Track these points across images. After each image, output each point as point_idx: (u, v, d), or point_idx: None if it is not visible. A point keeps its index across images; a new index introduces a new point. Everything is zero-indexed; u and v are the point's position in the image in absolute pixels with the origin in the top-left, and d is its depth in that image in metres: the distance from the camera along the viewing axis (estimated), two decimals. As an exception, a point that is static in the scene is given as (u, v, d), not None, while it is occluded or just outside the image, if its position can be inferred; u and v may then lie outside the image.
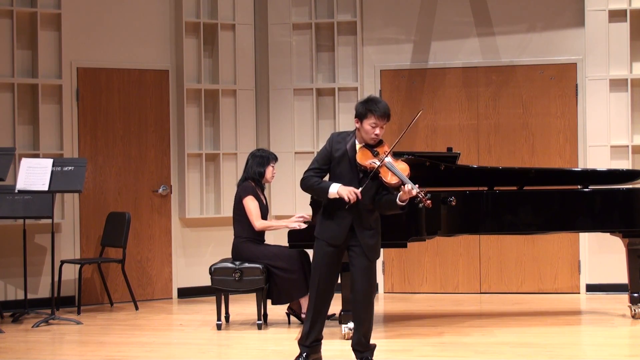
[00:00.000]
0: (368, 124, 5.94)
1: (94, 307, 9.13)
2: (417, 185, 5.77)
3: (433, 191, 7.58)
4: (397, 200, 5.81)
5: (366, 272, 6.00)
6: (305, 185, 6.05)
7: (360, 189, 5.86)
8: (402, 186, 5.77)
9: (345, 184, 5.90)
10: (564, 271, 9.56)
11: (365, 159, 5.90)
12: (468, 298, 9.42)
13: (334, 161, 6.00)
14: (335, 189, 5.88)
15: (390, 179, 5.83)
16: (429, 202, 5.76)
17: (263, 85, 10.01)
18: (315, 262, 6.08)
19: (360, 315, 6.05)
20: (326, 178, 6.07)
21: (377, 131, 5.95)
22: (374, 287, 6.10)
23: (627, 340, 7.40)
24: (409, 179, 5.81)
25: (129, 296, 9.06)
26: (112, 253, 9.22)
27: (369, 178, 5.86)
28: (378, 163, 5.85)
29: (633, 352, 6.88)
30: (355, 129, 6.03)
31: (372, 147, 5.97)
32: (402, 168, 5.88)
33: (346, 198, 5.82)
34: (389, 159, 5.89)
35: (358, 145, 5.99)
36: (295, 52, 9.91)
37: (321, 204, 6.12)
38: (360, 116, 5.98)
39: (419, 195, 5.75)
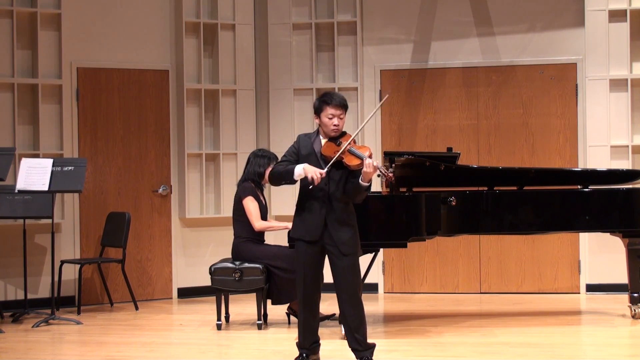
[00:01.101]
0: (325, 116, 6.05)
1: (94, 307, 9.13)
2: (378, 162, 5.87)
3: (433, 191, 7.62)
4: (360, 181, 5.89)
5: (348, 269, 6.02)
6: (272, 174, 6.14)
7: (327, 166, 5.91)
8: (364, 163, 5.85)
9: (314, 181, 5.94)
10: (564, 271, 9.56)
11: (329, 151, 6.02)
12: (468, 298, 9.42)
13: (301, 159, 6.07)
14: (301, 167, 5.95)
15: (353, 162, 5.93)
16: (390, 174, 5.90)
17: (263, 85, 10.01)
18: (298, 264, 6.12)
19: (350, 313, 6.05)
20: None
21: (336, 122, 6.04)
22: (360, 284, 6.10)
23: (627, 340, 7.40)
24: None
25: (129, 296, 9.06)
26: (112, 253, 9.22)
27: (333, 160, 5.92)
28: (341, 150, 5.94)
29: (633, 352, 6.88)
30: (318, 127, 6.13)
31: (336, 139, 6.06)
32: (363, 150, 5.98)
33: (309, 177, 5.88)
34: (351, 146, 5.97)
35: (323, 141, 6.08)
36: (295, 52, 9.91)
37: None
38: (317, 111, 6.11)
39: (380, 170, 5.85)
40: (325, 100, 6.06)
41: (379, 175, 5.95)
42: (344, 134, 6.10)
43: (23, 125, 9.07)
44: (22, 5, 9.06)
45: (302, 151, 6.08)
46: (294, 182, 6.06)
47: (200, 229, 9.76)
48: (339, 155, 5.93)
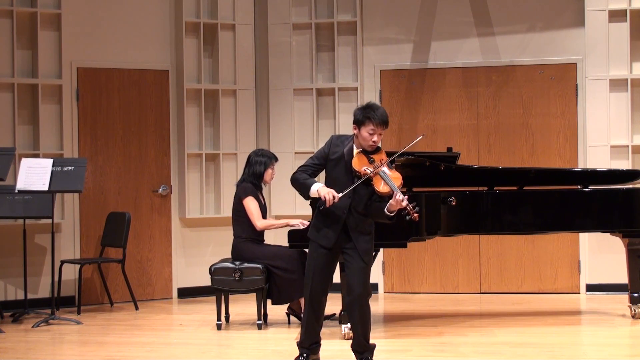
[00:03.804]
0: (366, 130, 5.93)
1: (94, 307, 9.13)
2: (406, 197, 5.76)
3: (433, 191, 7.62)
4: (386, 210, 5.81)
5: (361, 273, 6.00)
6: (293, 178, 6.08)
7: (343, 192, 5.85)
8: (393, 196, 5.77)
9: (340, 188, 5.89)
10: (564, 271, 9.56)
11: (360, 164, 5.91)
12: (468, 298, 9.42)
13: (330, 164, 6.02)
14: (316, 188, 5.91)
15: (382, 188, 5.83)
16: (416, 215, 5.74)
17: (263, 85, 10.01)
18: (309, 264, 6.10)
19: (358, 316, 6.05)
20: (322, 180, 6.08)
21: (375, 138, 5.93)
22: (369, 288, 6.10)
23: (627, 340, 7.40)
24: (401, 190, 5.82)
25: (129, 296, 9.07)
26: (112, 253, 9.22)
27: (359, 182, 5.86)
28: (372, 170, 5.86)
29: (633, 352, 6.89)
30: (354, 134, 6.04)
31: (369, 153, 5.97)
32: (395, 177, 5.88)
33: (322, 197, 5.84)
34: (384, 168, 5.88)
35: (355, 150, 5.99)
36: (295, 52, 9.91)
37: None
38: (358, 123, 5.97)
39: (407, 207, 5.74)
40: (370, 115, 5.90)
41: (403, 212, 5.81)
42: (378, 149, 6.00)
43: (23, 125, 9.08)
44: (22, 5, 9.06)
45: (331, 155, 6.01)
46: (308, 198, 6.03)
47: (200, 229, 9.76)
48: (368, 176, 5.83)
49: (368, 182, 5.87)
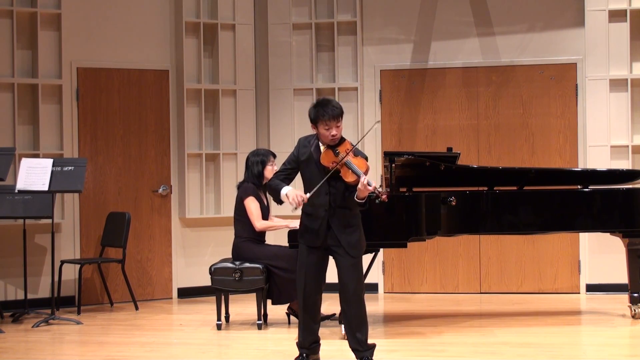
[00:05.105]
0: (322, 128, 6.00)
1: (94, 307, 9.13)
2: (374, 181, 5.83)
3: (433, 191, 7.62)
4: (355, 197, 5.87)
5: (352, 270, 6.02)
6: (267, 185, 6.20)
7: (311, 192, 5.88)
8: (360, 182, 5.81)
9: (315, 187, 5.92)
10: (564, 271, 9.56)
11: (327, 160, 5.97)
12: (468, 298, 9.42)
13: (301, 165, 6.08)
14: (285, 192, 5.98)
15: (349, 177, 5.90)
16: (384, 196, 5.83)
17: (263, 85, 10.01)
18: (300, 265, 6.12)
19: (352, 313, 6.05)
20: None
21: (333, 132, 5.99)
22: (363, 284, 6.10)
23: (627, 340, 7.40)
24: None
25: (129, 296, 9.07)
26: (112, 253, 9.22)
27: (325, 179, 5.90)
28: (337, 162, 5.91)
29: (633, 352, 6.89)
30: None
31: (334, 147, 6.02)
32: (360, 165, 5.93)
33: (290, 201, 5.89)
34: (348, 159, 5.92)
35: (322, 147, 6.05)
36: (295, 52, 9.91)
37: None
38: (313, 121, 6.04)
39: (376, 190, 5.79)
40: (319, 113, 5.97)
41: (372, 195, 5.88)
42: (342, 140, 6.05)
43: (23, 125, 9.08)
44: (22, 5, 9.06)
45: (301, 157, 6.07)
46: (280, 202, 6.08)
47: (200, 229, 9.76)
48: (335, 169, 5.90)
49: (336, 174, 5.91)
